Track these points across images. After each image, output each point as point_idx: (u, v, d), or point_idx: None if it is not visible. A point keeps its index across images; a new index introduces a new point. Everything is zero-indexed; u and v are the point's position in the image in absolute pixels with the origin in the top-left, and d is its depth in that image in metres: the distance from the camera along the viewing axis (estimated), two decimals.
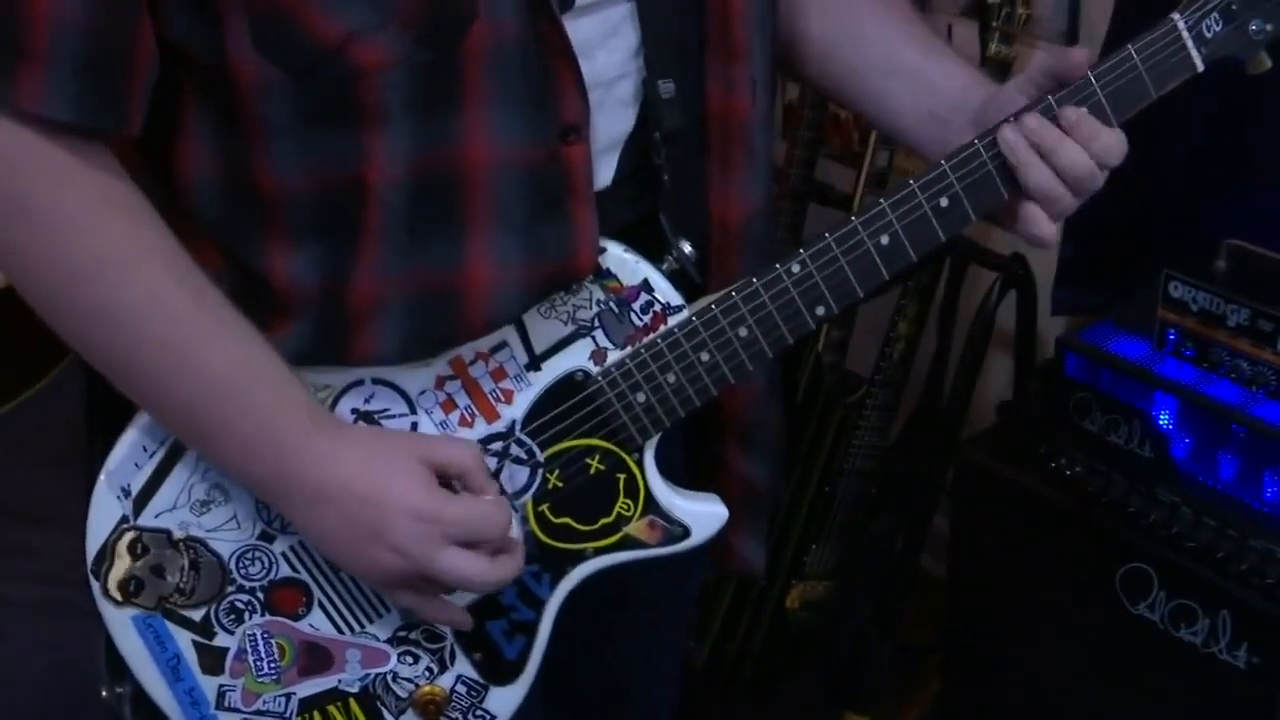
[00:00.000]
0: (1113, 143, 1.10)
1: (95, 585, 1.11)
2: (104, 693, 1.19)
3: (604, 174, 1.10)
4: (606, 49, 1.07)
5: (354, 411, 1.09)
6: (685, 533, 1.15)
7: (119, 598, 1.11)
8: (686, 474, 1.20)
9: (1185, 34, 1.09)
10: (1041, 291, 2.12)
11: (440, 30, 0.97)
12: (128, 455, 1.09)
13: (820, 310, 1.11)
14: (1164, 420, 1.74)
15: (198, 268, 1.02)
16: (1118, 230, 2.02)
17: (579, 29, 1.03)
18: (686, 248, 1.12)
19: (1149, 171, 1.95)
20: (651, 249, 1.12)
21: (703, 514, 1.15)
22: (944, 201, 1.10)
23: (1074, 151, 1.09)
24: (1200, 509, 1.71)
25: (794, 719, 2.30)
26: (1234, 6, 1.09)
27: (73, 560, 1.98)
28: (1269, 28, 1.10)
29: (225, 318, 1.02)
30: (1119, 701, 1.85)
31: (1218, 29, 1.10)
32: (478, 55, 0.99)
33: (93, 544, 1.11)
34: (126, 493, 1.09)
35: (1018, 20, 1.98)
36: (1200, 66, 1.10)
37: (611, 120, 1.10)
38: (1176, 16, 1.10)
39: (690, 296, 1.12)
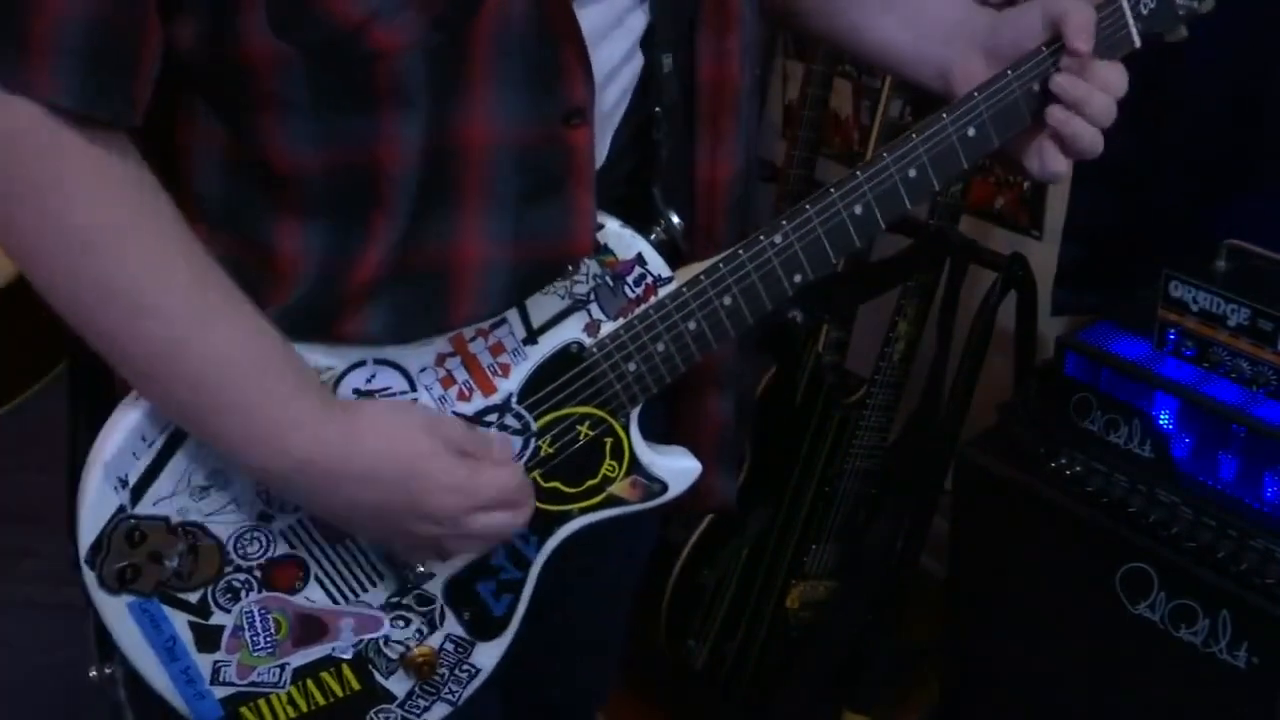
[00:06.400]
0: (1119, 79, 1.18)
1: (90, 575, 1.10)
2: (92, 673, 1.18)
3: (599, 155, 1.11)
4: (611, 39, 1.08)
5: (356, 392, 1.09)
6: (663, 488, 1.20)
7: (115, 586, 1.10)
8: (666, 419, 1.26)
9: (1127, 12, 1.19)
10: (1041, 291, 2.12)
11: (454, 13, 0.98)
12: (125, 445, 1.07)
13: (798, 278, 1.15)
14: (1164, 420, 1.74)
15: (202, 247, 1.01)
16: (1118, 230, 2.02)
17: (587, 17, 1.04)
18: (675, 219, 1.16)
19: (1149, 172, 1.95)
20: (639, 221, 1.14)
21: (679, 470, 1.21)
22: (912, 173, 1.15)
23: (1102, 100, 1.17)
24: (1200, 509, 1.71)
25: (794, 719, 2.30)
26: None
27: (73, 560, 1.98)
28: (1192, 4, 1.22)
29: (230, 296, 1.01)
30: (1119, 701, 1.85)
31: (1152, 6, 1.20)
32: (486, 37, 0.99)
33: (87, 535, 1.09)
34: (124, 483, 1.08)
35: None
36: (1138, 42, 1.20)
37: (611, 104, 1.11)
38: None
39: (673, 265, 1.15)
